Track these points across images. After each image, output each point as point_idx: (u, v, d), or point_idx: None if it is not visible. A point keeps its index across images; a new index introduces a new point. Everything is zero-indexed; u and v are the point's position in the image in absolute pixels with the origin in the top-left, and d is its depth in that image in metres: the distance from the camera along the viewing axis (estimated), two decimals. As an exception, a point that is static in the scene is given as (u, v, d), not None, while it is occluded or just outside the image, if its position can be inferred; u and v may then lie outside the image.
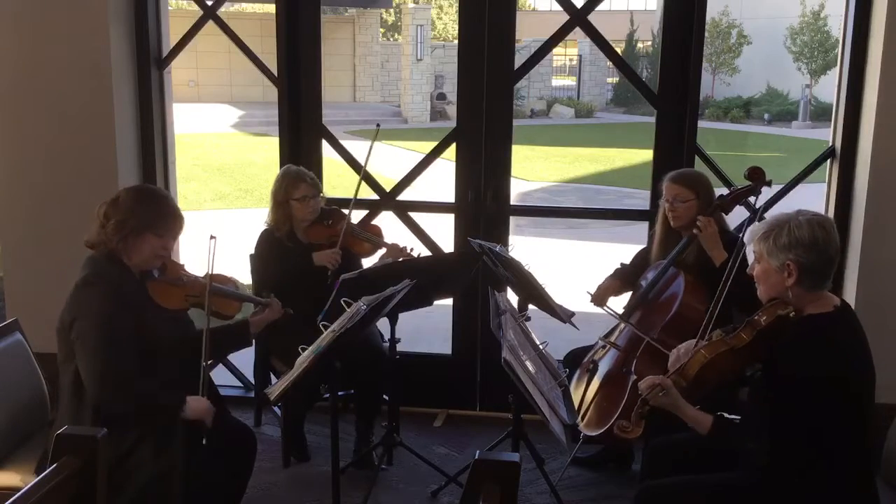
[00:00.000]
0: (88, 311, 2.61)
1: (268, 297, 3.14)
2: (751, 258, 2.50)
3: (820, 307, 2.37)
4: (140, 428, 2.63)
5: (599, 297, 3.61)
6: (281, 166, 4.20)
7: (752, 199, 3.45)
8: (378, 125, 4.12)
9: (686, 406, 2.38)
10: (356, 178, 4.33)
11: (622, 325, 3.49)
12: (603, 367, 3.46)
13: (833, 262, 2.36)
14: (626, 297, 3.67)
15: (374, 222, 4.10)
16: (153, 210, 2.75)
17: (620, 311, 3.54)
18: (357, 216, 4.08)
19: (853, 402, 2.32)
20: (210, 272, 2.86)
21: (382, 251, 3.86)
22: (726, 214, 3.44)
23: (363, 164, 3.91)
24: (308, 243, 3.81)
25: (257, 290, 3.72)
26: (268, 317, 3.07)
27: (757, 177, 3.40)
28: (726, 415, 2.47)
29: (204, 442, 2.72)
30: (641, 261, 3.71)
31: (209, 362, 2.84)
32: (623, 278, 3.71)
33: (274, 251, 3.76)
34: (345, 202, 4.01)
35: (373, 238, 3.87)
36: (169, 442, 2.63)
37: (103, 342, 2.57)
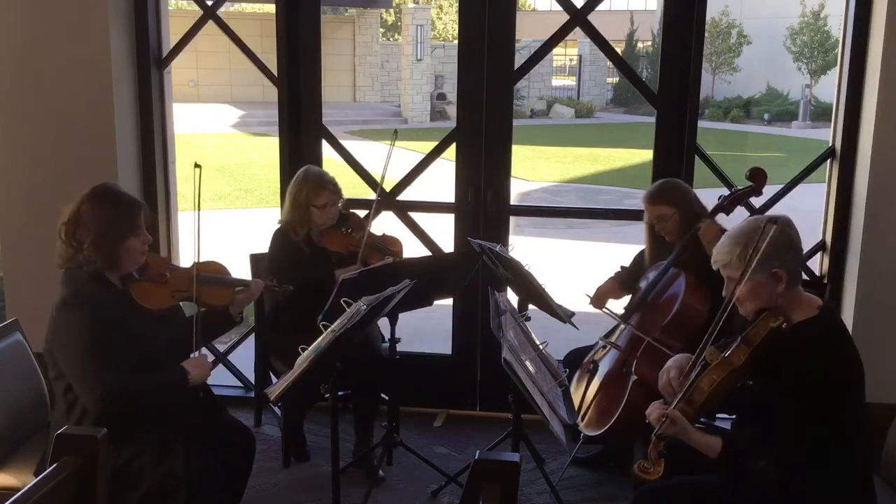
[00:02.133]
0: (70, 336, 2.56)
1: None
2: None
3: (806, 311, 2.39)
4: (139, 437, 2.61)
5: (598, 300, 3.62)
6: (281, 166, 4.20)
7: (752, 199, 3.46)
8: (395, 131, 4.06)
9: (694, 432, 2.37)
10: (356, 178, 4.34)
11: (622, 326, 3.49)
12: (603, 368, 3.45)
13: (802, 256, 2.42)
14: (625, 299, 3.67)
15: (391, 234, 3.96)
16: (123, 213, 2.66)
17: (620, 311, 3.54)
18: (359, 215, 4.07)
19: (853, 404, 2.33)
20: (196, 262, 2.85)
21: None
22: (727, 215, 3.44)
23: (380, 180, 3.95)
24: (323, 247, 3.76)
25: None
26: (249, 296, 3.09)
27: (758, 177, 3.41)
28: (724, 415, 2.46)
29: (201, 396, 2.76)
30: (640, 263, 3.72)
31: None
32: (622, 282, 3.71)
33: (291, 254, 3.70)
34: (361, 203, 4.00)
35: (392, 253, 3.79)
36: (169, 450, 2.62)
37: (92, 365, 2.53)
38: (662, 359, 3.25)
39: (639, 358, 3.28)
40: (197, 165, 2.81)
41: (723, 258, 2.42)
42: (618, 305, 3.61)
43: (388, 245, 3.82)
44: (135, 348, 2.64)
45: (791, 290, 2.37)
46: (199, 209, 2.80)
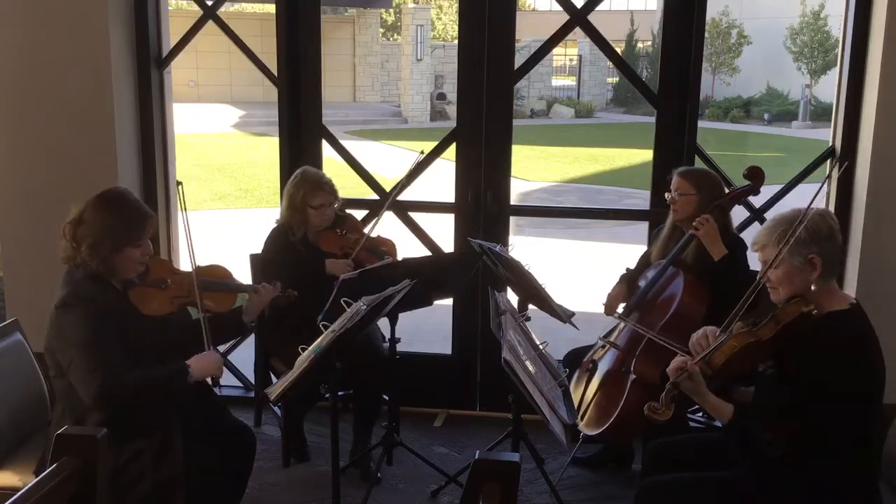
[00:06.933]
0: (70, 335, 2.57)
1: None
2: (751, 261, 2.48)
3: (837, 303, 2.39)
4: (139, 437, 2.61)
5: (610, 306, 3.58)
6: (281, 166, 4.20)
7: (751, 198, 3.45)
8: (422, 152, 4.13)
9: (707, 392, 2.37)
10: (354, 178, 4.34)
11: (621, 325, 3.49)
12: (602, 367, 3.46)
13: (841, 249, 2.41)
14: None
15: (385, 235, 3.95)
16: (124, 221, 2.65)
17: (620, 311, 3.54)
18: (359, 216, 4.07)
19: (873, 403, 2.33)
20: (195, 268, 2.80)
21: None
22: (726, 213, 3.44)
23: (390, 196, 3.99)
24: (318, 247, 3.76)
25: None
26: (259, 302, 3.03)
27: (756, 176, 3.41)
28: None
29: (218, 391, 2.80)
30: (644, 264, 3.71)
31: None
32: (629, 283, 3.69)
33: (286, 253, 3.69)
34: (361, 203, 3.98)
35: (386, 254, 3.79)
36: (169, 450, 2.62)
37: (91, 359, 2.53)
38: (661, 358, 3.25)
39: (638, 356, 3.28)
40: (179, 182, 2.93)
41: (762, 239, 2.43)
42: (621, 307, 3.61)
43: (381, 246, 3.83)
44: (135, 347, 2.64)
45: (826, 281, 2.37)
46: (188, 228, 2.82)
